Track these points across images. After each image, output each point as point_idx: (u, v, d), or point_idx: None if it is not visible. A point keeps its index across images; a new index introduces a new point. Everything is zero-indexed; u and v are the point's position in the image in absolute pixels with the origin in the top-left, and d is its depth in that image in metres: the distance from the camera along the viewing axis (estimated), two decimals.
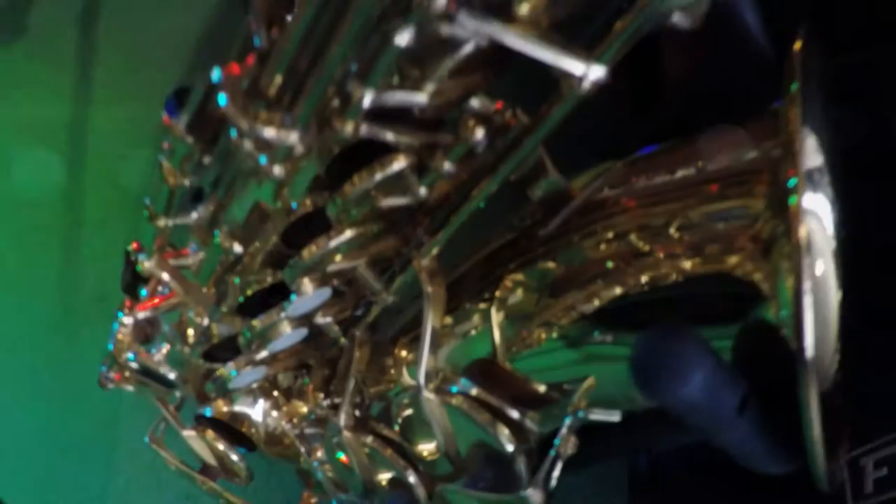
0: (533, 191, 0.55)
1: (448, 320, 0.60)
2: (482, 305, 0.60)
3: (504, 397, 0.58)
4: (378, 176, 0.49)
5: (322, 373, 0.70)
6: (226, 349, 0.67)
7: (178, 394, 0.77)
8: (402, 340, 0.67)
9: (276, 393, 0.77)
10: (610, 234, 0.55)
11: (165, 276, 0.62)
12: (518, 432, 0.58)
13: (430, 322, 0.56)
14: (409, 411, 0.63)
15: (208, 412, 0.76)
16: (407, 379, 0.67)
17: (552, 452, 0.57)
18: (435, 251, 0.57)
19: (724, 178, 0.50)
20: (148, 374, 0.70)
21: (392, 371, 0.68)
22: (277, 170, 0.46)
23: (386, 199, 0.52)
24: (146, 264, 0.62)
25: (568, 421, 0.56)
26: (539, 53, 0.40)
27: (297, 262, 0.55)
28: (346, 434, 0.65)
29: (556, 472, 0.57)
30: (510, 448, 0.57)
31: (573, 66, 0.40)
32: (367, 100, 0.44)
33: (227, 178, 0.54)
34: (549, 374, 0.59)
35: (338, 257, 0.56)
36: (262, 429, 0.76)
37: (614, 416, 0.56)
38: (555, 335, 0.57)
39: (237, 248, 0.58)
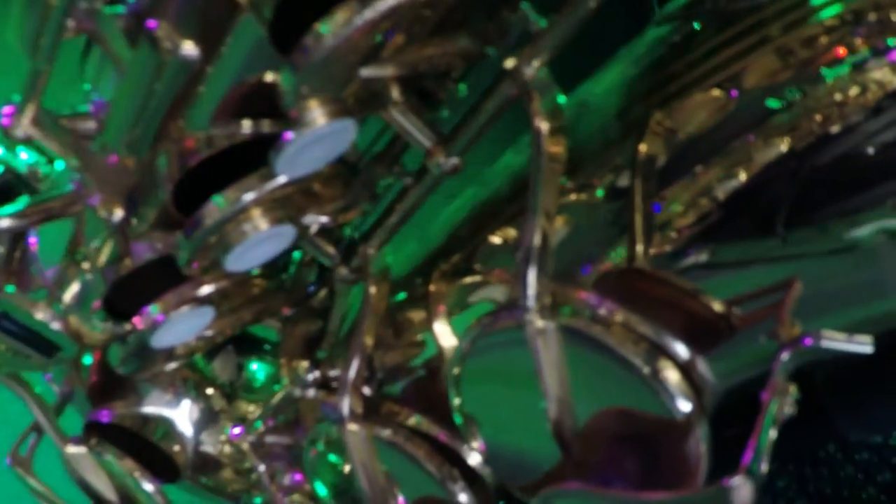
0: None
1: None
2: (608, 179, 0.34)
3: (661, 323, 0.31)
4: None
5: (303, 330, 0.41)
6: (147, 283, 0.38)
7: (56, 388, 0.46)
8: (442, 267, 0.39)
9: (211, 390, 0.48)
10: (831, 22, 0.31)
11: (52, 142, 0.34)
12: (689, 384, 0.31)
13: (546, 186, 0.30)
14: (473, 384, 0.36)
15: (105, 417, 0.46)
16: (446, 335, 0.39)
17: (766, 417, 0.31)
18: (541, 60, 0.31)
19: None
20: (13, 330, 0.40)
21: (417, 328, 0.41)
22: None
23: None
24: (24, 121, 0.34)
25: (784, 357, 0.31)
26: None
27: (308, 51, 0.28)
28: (352, 427, 0.37)
29: (768, 450, 0.29)
30: (686, 408, 0.30)
31: None
32: None
33: None
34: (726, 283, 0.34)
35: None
36: (191, 445, 0.46)
37: (865, 345, 0.31)
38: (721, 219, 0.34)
39: (190, 50, 0.30)
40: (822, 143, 0.31)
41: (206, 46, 0.34)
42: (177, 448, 0.50)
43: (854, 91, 0.31)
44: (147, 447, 0.51)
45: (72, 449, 0.48)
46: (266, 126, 0.36)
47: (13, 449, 0.51)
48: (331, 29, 0.30)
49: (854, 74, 0.31)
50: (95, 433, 0.50)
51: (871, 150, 0.30)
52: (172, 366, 0.48)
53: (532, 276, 0.32)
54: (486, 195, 0.41)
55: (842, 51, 0.31)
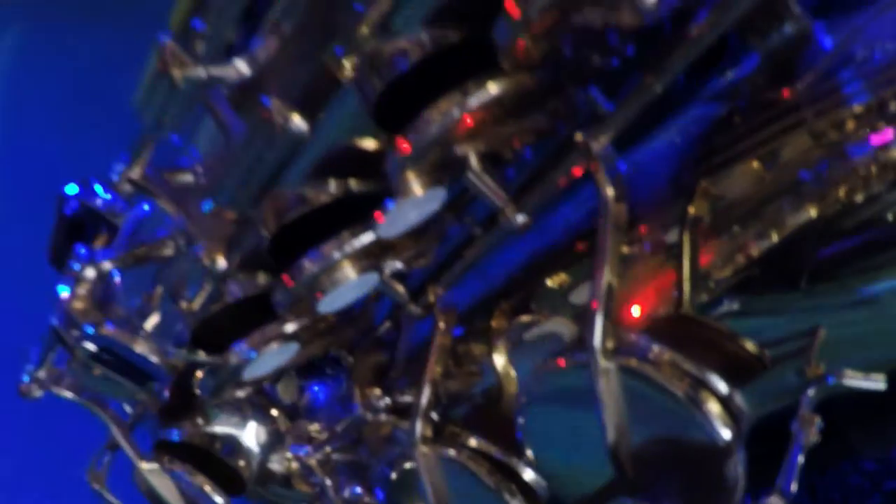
0: (761, 39, 0.39)
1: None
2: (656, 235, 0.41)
3: (704, 362, 0.38)
4: None
5: (373, 360, 0.48)
6: (231, 318, 0.44)
7: (128, 408, 0.53)
8: (502, 306, 0.46)
9: (276, 411, 0.54)
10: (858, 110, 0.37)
11: (160, 196, 0.40)
12: (728, 414, 0.38)
13: (611, 246, 0.37)
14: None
15: (176, 436, 0.52)
16: (505, 366, 0.46)
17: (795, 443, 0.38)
18: (607, 137, 0.37)
19: None
20: (112, 361, 0.46)
21: (477, 359, 0.47)
22: None
23: (585, 17, 0.32)
24: (132, 175, 0.40)
25: (810, 392, 0.38)
26: None
27: (415, 135, 0.35)
28: (423, 450, 0.44)
29: (797, 473, 0.37)
30: (726, 435, 0.37)
31: None
32: None
33: None
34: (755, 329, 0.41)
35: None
36: (256, 460, 0.53)
37: (878, 383, 0.39)
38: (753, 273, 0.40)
39: (300, 124, 0.37)
40: (846, 211, 0.37)
41: (307, 115, 0.40)
42: (242, 463, 0.56)
43: (876, 168, 0.37)
44: (211, 462, 0.57)
45: (146, 465, 0.55)
46: (354, 185, 0.43)
47: (90, 465, 0.57)
48: (435, 117, 0.37)
49: (878, 153, 0.37)
50: (167, 450, 0.56)
51: (890, 217, 0.37)
52: (241, 394, 0.55)
53: (599, 323, 0.39)
54: (544, 244, 0.48)
55: (867, 133, 0.37)
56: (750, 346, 0.41)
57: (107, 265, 0.47)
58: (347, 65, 0.38)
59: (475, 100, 0.36)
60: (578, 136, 0.40)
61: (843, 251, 0.38)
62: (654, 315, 0.42)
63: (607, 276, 0.39)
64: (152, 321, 0.52)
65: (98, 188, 0.55)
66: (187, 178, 0.45)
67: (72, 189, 0.54)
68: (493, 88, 0.37)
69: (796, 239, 0.39)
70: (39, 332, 0.56)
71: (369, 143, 0.41)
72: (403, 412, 0.50)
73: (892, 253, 0.37)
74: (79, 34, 1.24)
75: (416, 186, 0.39)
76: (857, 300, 0.38)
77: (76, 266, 0.46)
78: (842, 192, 0.37)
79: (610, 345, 0.39)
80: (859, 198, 0.37)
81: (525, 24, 0.33)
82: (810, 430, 0.39)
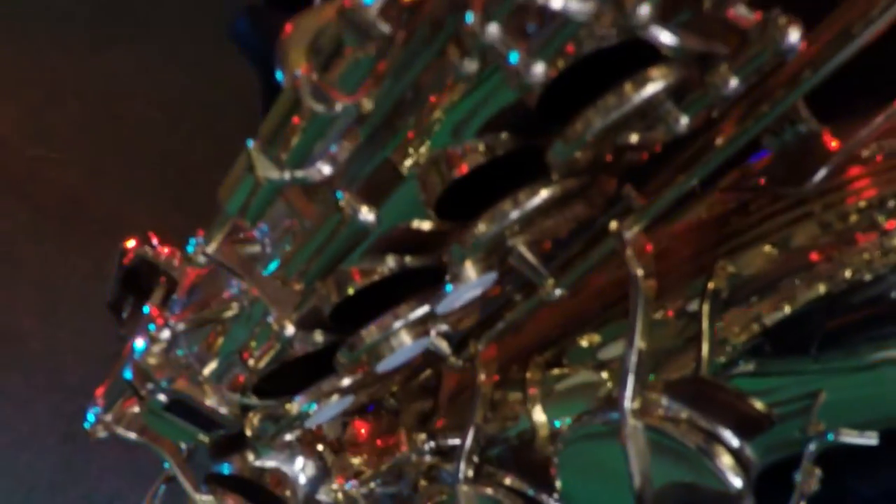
0: (775, 138, 0.45)
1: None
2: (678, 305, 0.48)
3: (718, 419, 0.46)
4: (634, 98, 0.37)
5: (417, 406, 0.55)
6: (289, 367, 0.51)
7: (183, 445, 0.59)
8: (536, 360, 0.53)
9: (321, 446, 0.61)
10: (862, 204, 0.44)
11: (234, 269, 0.47)
12: (739, 465, 0.46)
13: (641, 319, 0.43)
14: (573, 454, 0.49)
15: (226, 469, 0.59)
16: (538, 413, 0.54)
17: (798, 491, 0.44)
18: (639, 226, 0.44)
19: None
20: (183, 411, 0.52)
21: (512, 406, 0.55)
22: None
23: (627, 137, 0.39)
24: (208, 250, 0.46)
25: (812, 447, 0.45)
26: None
27: (474, 234, 0.41)
28: (465, 489, 0.51)
29: None
30: (738, 484, 0.45)
31: None
32: None
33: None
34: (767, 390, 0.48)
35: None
36: (303, 492, 0.60)
37: (871, 440, 0.45)
38: (767, 340, 0.46)
39: (367, 215, 0.43)
40: (854, 289, 0.43)
41: (371, 204, 0.47)
42: (288, 493, 0.63)
43: (878, 253, 0.42)
44: (260, 492, 0.64)
45: (201, 497, 0.62)
46: (409, 261, 0.50)
47: (148, 496, 0.63)
48: (493, 219, 0.43)
49: (881, 240, 0.42)
50: (219, 482, 0.63)
51: (893, 295, 0.42)
52: (290, 437, 0.62)
53: (630, 386, 0.46)
54: (575, 306, 0.55)
55: (870, 223, 0.43)
56: (759, 405, 0.48)
57: (181, 326, 0.53)
58: (411, 152, 0.45)
59: (527, 206, 0.43)
60: (614, 225, 0.46)
61: (850, 324, 0.44)
62: (675, 377, 0.49)
63: (638, 344, 0.46)
64: (210, 366, 0.59)
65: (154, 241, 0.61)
66: (255, 248, 0.52)
67: (131, 243, 0.60)
68: (543, 194, 0.43)
69: (807, 311, 0.44)
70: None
71: (425, 225, 0.48)
72: (445, 453, 0.57)
73: (893, 328, 0.43)
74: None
75: (472, 273, 0.46)
76: (859, 367, 0.44)
77: (151, 326, 0.53)
78: (849, 273, 0.43)
79: (637, 405, 0.47)
80: (866, 278, 0.42)
81: (579, 148, 0.40)
82: (811, 481, 0.46)
